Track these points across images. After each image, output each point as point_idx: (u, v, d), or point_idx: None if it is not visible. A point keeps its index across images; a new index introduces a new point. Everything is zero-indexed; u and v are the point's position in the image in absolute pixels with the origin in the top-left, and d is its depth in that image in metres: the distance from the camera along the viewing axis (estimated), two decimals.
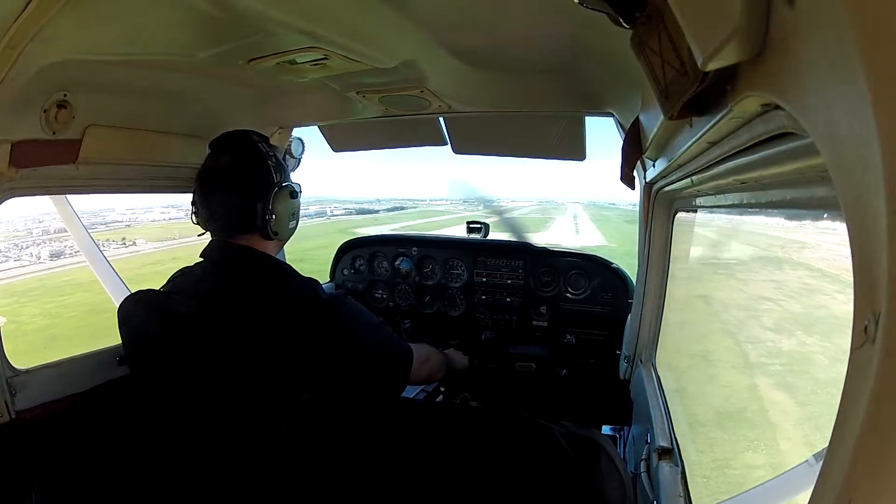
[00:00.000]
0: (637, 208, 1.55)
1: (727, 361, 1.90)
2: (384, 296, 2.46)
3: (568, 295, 2.14)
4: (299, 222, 1.38)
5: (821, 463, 0.29)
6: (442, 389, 1.95)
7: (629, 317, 1.73)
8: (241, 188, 1.22)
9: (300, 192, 1.34)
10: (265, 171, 1.23)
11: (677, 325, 2.00)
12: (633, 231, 1.63)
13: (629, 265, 2.19)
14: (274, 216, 1.23)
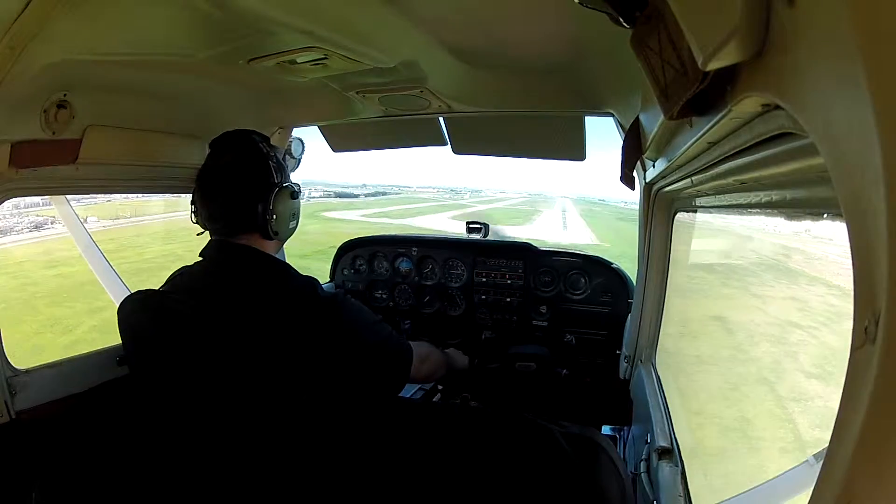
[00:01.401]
0: (628, 205, 1.53)
1: (774, 438, 1.39)
2: (384, 296, 2.46)
3: (568, 295, 2.14)
4: (299, 222, 1.38)
5: (821, 463, 0.29)
6: (440, 388, 1.95)
7: (629, 317, 1.73)
8: (242, 188, 1.22)
9: (300, 192, 1.34)
10: (266, 171, 1.24)
11: (695, 359, 1.74)
12: (626, 228, 1.58)
13: (626, 268, 2.12)
14: (274, 216, 1.23)
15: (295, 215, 1.33)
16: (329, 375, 1.17)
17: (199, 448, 1.15)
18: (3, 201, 1.18)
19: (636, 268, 1.62)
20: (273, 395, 1.12)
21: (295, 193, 1.31)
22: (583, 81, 1.35)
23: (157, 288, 1.28)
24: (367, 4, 0.98)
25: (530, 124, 1.80)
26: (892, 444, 0.23)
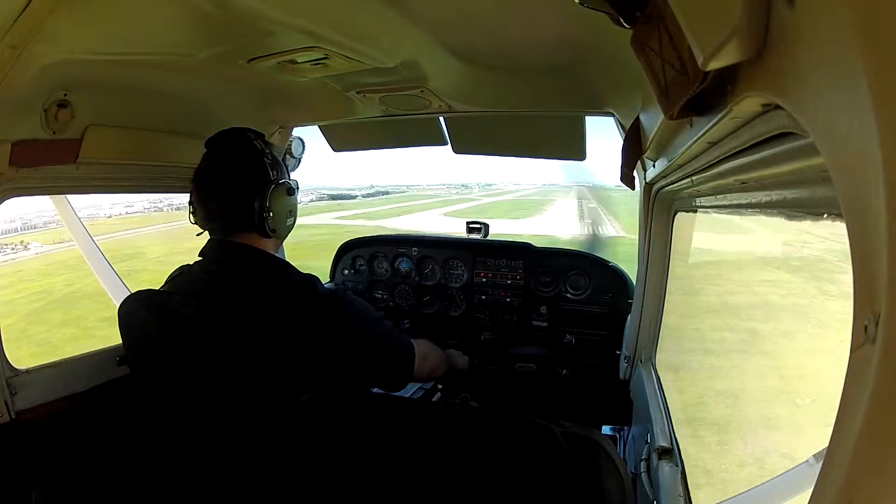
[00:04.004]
0: None
1: None
2: (384, 296, 2.46)
3: (568, 295, 2.14)
4: (296, 219, 1.39)
5: (821, 463, 0.29)
6: (439, 387, 1.95)
7: (629, 317, 1.73)
8: (238, 186, 1.22)
9: (297, 188, 1.34)
10: (261, 168, 1.24)
11: None
12: None
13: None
14: (271, 213, 1.23)
15: (292, 212, 1.33)
16: (331, 372, 1.17)
17: (200, 448, 1.15)
18: (4, 200, 1.18)
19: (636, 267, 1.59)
20: (275, 393, 1.12)
21: (291, 190, 1.31)
22: (583, 81, 1.35)
23: (156, 288, 1.28)
24: (368, 4, 0.98)
25: (531, 124, 1.80)
26: (892, 444, 0.23)
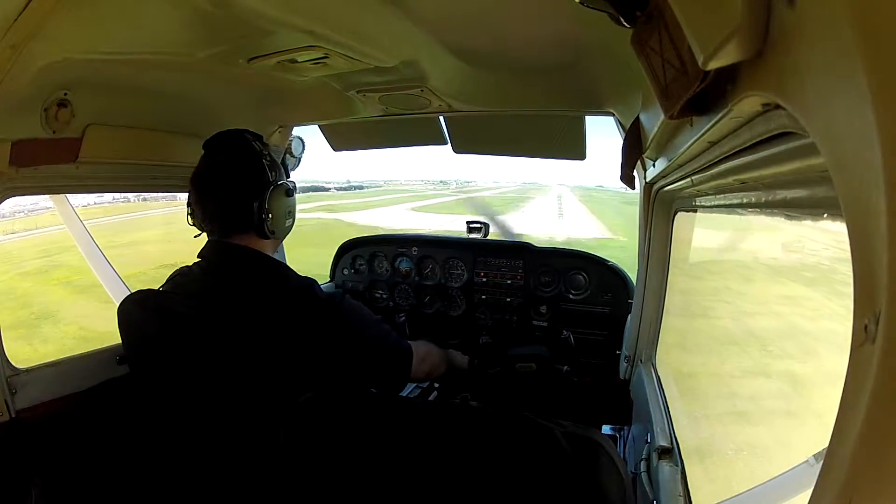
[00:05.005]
0: (630, 190, 1.37)
1: None
2: (384, 296, 2.46)
3: (568, 295, 2.14)
4: (296, 220, 1.39)
5: (821, 463, 0.29)
6: (436, 386, 1.95)
7: (629, 317, 1.73)
8: (236, 187, 1.22)
9: (295, 189, 1.34)
10: (260, 169, 1.24)
11: None
12: (637, 214, 1.45)
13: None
14: (270, 215, 1.23)
15: (291, 213, 1.34)
16: (328, 375, 1.17)
17: (199, 448, 1.15)
18: (4, 199, 1.18)
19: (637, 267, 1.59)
20: (272, 395, 1.12)
21: (290, 191, 1.31)
22: (583, 81, 1.35)
23: (156, 288, 1.28)
24: (368, 4, 0.98)
25: (531, 124, 1.80)
26: (892, 444, 0.23)
